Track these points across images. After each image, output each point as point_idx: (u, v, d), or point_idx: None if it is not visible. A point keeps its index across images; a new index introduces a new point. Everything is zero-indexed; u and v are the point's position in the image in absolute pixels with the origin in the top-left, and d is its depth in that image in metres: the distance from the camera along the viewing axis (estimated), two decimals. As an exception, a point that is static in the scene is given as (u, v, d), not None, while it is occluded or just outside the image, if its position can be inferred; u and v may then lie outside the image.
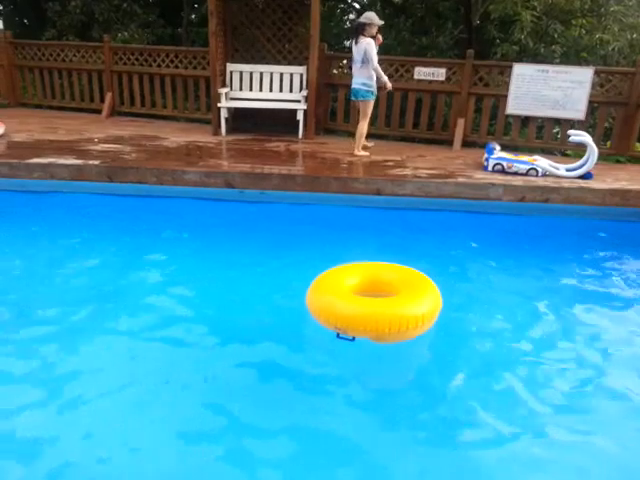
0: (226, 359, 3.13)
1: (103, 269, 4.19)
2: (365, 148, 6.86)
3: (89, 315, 3.51)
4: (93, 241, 4.69)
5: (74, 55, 8.97)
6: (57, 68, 9.13)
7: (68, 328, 3.36)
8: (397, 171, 5.91)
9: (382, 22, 6.27)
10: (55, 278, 4.02)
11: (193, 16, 12.08)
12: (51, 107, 9.49)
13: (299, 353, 3.25)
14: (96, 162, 5.65)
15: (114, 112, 9.00)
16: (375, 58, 6.17)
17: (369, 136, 7.00)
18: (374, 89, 6.39)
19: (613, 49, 8.84)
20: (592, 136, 6.07)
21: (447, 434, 2.63)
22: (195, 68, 8.43)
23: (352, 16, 12.68)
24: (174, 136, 7.50)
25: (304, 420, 2.66)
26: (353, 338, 2.81)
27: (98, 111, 8.96)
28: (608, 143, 7.47)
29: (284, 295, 3.81)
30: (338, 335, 2.83)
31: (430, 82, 7.66)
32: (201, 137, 7.52)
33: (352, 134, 7.83)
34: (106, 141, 6.88)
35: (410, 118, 7.89)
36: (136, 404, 2.72)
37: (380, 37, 6.41)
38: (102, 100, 9.01)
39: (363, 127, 6.54)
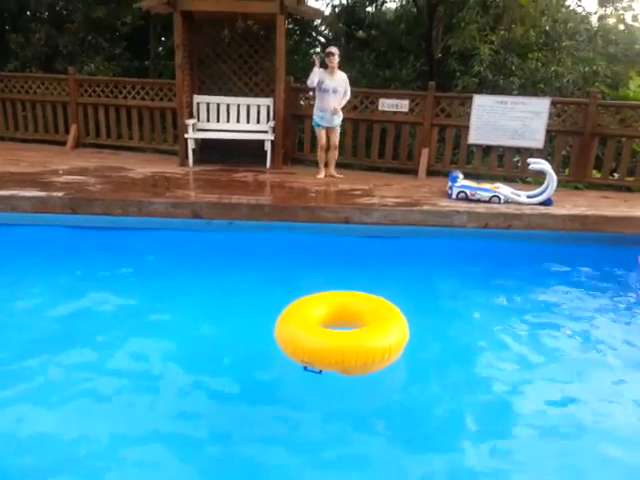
0: (192, 390, 3.08)
1: (65, 301, 4.08)
2: (333, 177, 7.28)
3: (51, 349, 3.41)
4: (55, 274, 4.58)
5: (38, 87, 8.90)
6: (21, 100, 9.03)
7: (28, 360, 3.25)
8: (365, 200, 5.99)
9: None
10: (16, 311, 3.90)
11: (160, 49, 12.17)
12: (14, 139, 9.34)
13: (266, 385, 3.21)
14: (60, 194, 5.56)
15: (79, 144, 8.91)
16: None
17: (337, 166, 7.39)
18: None
19: (568, 81, 9.25)
20: (551, 164, 6.28)
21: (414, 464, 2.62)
22: (162, 100, 8.45)
23: (318, 50, 12.98)
24: (140, 167, 7.45)
25: (266, 454, 2.62)
26: (320, 371, 2.79)
27: (63, 143, 8.86)
28: (566, 170, 7.74)
29: (253, 325, 3.76)
30: (305, 368, 2.80)
31: (394, 113, 7.85)
32: (168, 168, 7.49)
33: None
34: (70, 173, 6.79)
35: (376, 148, 8.05)
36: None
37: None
38: (67, 132, 8.92)
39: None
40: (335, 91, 6.74)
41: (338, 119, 6.92)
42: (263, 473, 2.51)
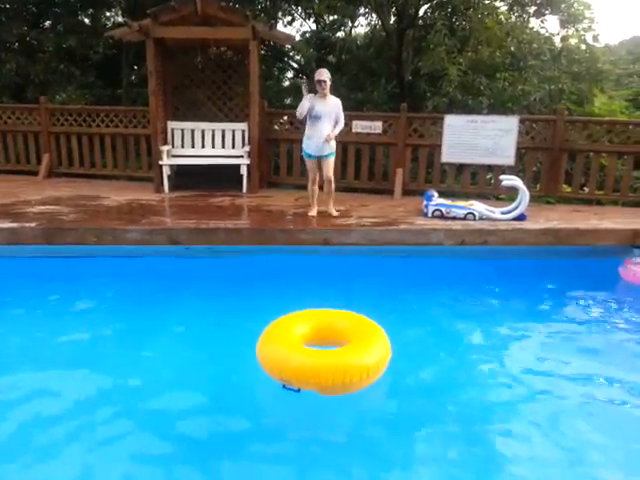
0: (173, 415, 3.02)
1: (42, 331, 3.99)
2: (330, 215, 6.29)
3: (32, 378, 3.32)
4: (30, 305, 4.48)
5: (9, 117, 8.80)
6: (-9, 130, 8.92)
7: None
8: (342, 220, 6.02)
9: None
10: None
11: (133, 77, 12.18)
12: (-16, 170, 9.19)
13: (247, 406, 3.18)
14: (32, 224, 5.47)
15: (52, 173, 8.80)
16: None
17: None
18: None
19: (535, 99, 9.51)
20: (522, 180, 6.41)
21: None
22: (135, 127, 8.44)
23: (290, 74, 13.16)
24: (115, 195, 7.38)
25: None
26: (299, 389, 2.76)
27: (35, 173, 8.74)
28: (538, 186, 7.91)
29: (235, 346, 3.73)
30: (284, 386, 2.78)
31: (368, 134, 7.96)
32: (143, 195, 7.43)
33: (296, 187, 7.96)
34: (44, 203, 6.68)
35: (351, 169, 8.13)
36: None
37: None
38: (39, 162, 8.81)
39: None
40: (328, 117, 5.92)
41: (330, 148, 6.00)
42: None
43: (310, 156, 6.09)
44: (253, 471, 2.64)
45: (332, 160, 6.14)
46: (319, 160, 6.09)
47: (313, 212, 6.26)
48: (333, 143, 6.01)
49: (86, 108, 8.90)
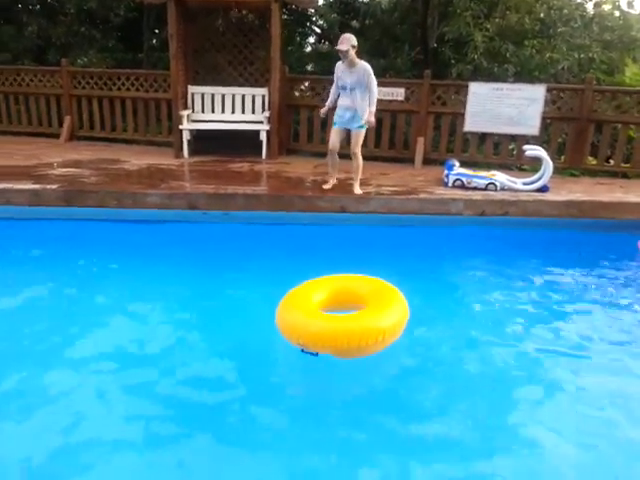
0: (192, 379, 3.08)
1: (60, 295, 4.07)
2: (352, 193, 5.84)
3: (47, 341, 3.40)
4: (51, 266, 4.57)
5: (31, 79, 8.84)
6: (13, 93, 8.96)
7: (22, 356, 3.25)
8: (361, 188, 5.97)
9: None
10: (10, 304, 3.89)
11: (154, 41, 12.07)
12: (7, 132, 9.26)
13: (267, 370, 3.22)
14: (54, 186, 5.54)
15: (73, 136, 8.86)
16: None
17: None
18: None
19: (563, 68, 9.21)
20: (546, 151, 6.28)
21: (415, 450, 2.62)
22: (156, 91, 8.40)
23: (312, 40, 12.91)
24: (135, 159, 7.42)
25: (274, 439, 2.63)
26: (317, 354, 2.81)
27: (56, 136, 8.81)
28: (562, 157, 7.73)
29: (252, 314, 3.78)
30: (302, 350, 2.83)
31: (390, 102, 7.82)
32: (163, 160, 7.46)
33: (315, 154, 7.88)
34: (65, 165, 6.76)
35: (372, 137, 8.02)
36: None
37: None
38: (60, 125, 8.87)
39: (360, 156, 5.85)
40: (352, 89, 5.49)
41: (358, 121, 5.59)
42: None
43: (335, 124, 5.80)
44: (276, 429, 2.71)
45: (361, 133, 5.70)
46: (347, 131, 5.78)
47: (328, 184, 5.96)
48: (365, 115, 5.52)
49: (107, 71, 8.88)
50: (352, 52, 5.38)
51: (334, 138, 5.82)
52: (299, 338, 2.80)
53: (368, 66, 5.49)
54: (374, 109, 5.49)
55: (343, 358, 2.88)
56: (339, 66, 5.62)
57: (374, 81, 5.46)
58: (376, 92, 5.49)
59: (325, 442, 2.62)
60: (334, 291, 3.21)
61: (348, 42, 5.34)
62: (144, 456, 2.51)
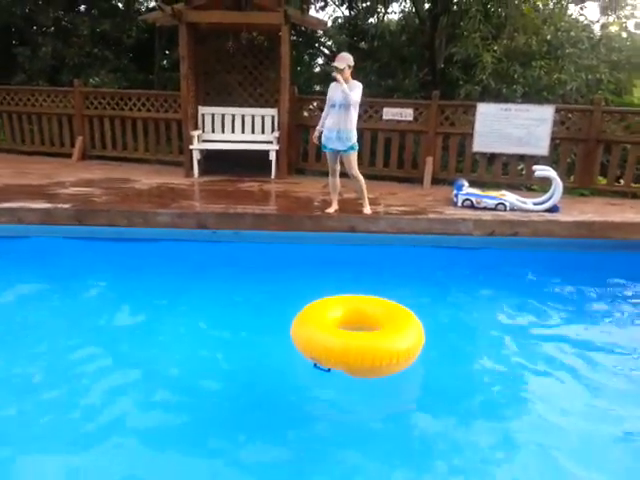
0: (204, 395, 3.07)
1: (71, 312, 4.09)
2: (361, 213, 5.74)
3: (62, 358, 3.41)
4: (62, 285, 4.59)
5: (44, 100, 8.97)
6: (27, 113, 9.11)
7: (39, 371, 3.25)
8: (370, 208, 5.97)
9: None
10: (22, 320, 3.90)
11: (165, 62, 12.27)
12: (21, 152, 9.39)
13: (280, 388, 3.21)
14: (66, 205, 5.58)
15: (85, 156, 8.97)
16: None
17: (342, 175, 6.04)
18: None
19: (571, 89, 9.24)
20: (556, 171, 6.26)
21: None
22: (167, 111, 8.51)
23: (320, 61, 13.05)
24: (146, 178, 7.48)
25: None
26: (329, 369, 2.79)
27: (69, 155, 8.92)
28: (571, 177, 7.72)
29: (261, 332, 3.77)
30: (315, 365, 2.81)
31: (398, 122, 7.87)
32: (173, 179, 7.52)
33: (324, 174, 7.90)
34: (76, 185, 6.82)
35: (380, 157, 8.07)
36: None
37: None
38: (72, 144, 8.98)
39: (361, 177, 5.68)
40: (340, 106, 5.31)
41: (345, 143, 5.41)
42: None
43: (326, 148, 5.60)
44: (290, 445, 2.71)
45: (351, 156, 5.50)
46: (338, 155, 5.58)
47: (331, 209, 5.73)
48: (353, 135, 5.42)
49: (119, 92, 9.01)
50: (347, 72, 5.29)
51: (330, 161, 5.71)
52: (312, 352, 2.79)
53: (359, 84, 5.37)
54: (346, 89, 5.19)
55: (355, 376, 2.85)
56: (332, 86, 5.50)
57: (356, 95, 5.28)
58: (353, 95, 5.24)
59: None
60: (349, 310, 3.21)
61: (344, 60, 5.27)
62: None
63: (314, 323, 2.93)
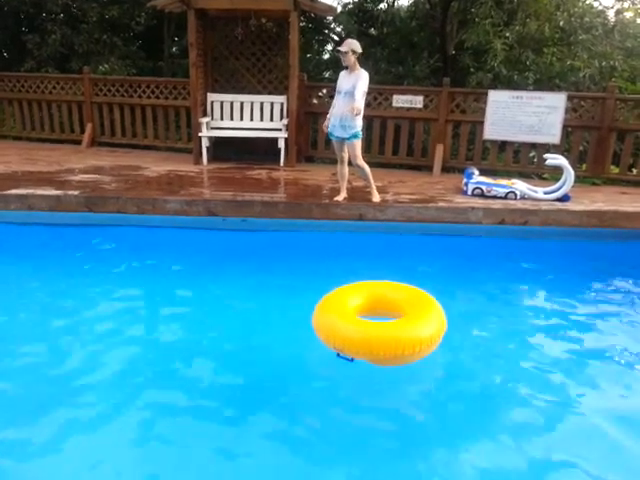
0: (217, 386, 3.10)
1: (81, 299, 4.11)
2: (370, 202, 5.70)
3: (69, 346, 3.44)
4: (71, 272, 4.62)
5: (54, 87, 8.98)
6: (37, 100, 9.12)
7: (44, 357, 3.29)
8: (379, 197, 5.95)
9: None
10: (31, 309, 3.94)
11: (174, 48, 12.23)
12: (30, 139, 9.44)
13: (294, 376, 3.24)
14: (75, 192, 5.61)
15: (94, 143, 8.98)
16: None
17: (350, 163, 6.06)
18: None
19: (584, 76, 9.11)
20: (567, 159, 6.20)
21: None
22: (176, 98, 8.49)
23: (329, 47, 12.95)
24: (155, 165, 7.49)
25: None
26: (352, 359, 2.78)
27: (78, 142, 8.94)
28: (583, 166, 7.64)
29: (271, 321, 3.79)
30: (338, 354, 2.80)
31: (408, 109, 7.80)
32: (182, 166, 7.52)
33: (333, 161, 7.87)
34: (86, 172, 6.84)
35: (389, 145, 8.01)
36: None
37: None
38: (82, 131, 9.00)
39: (366, 166, 5.65)
40: (346, 93, 5.26)
41: (348, 130, 5.37)
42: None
43: (332, 135, 5.59)
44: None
45: (354, 145, 5.44)
46: (344, 143, 5.53)
47: (340, 197, 5.71)
48: (357, 123, 5.33)
49: (128, 79, 8.99)
50: (352, 57, 5.24)
51: (336, 149, 5.73)
52: (335, 342, 2.76)
53: (366, 73, 5.32)
54: (357, 106, 5.10)
55: (378, 365, 2.85)
56: (342, 74, 5.49)
57: (362, 87, 5.21)
58: (359, 98, 5.17)
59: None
60: (371, 297, 3.16)
61: (349, 45, 5.23)
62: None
63: (336, 312, 2.88)
